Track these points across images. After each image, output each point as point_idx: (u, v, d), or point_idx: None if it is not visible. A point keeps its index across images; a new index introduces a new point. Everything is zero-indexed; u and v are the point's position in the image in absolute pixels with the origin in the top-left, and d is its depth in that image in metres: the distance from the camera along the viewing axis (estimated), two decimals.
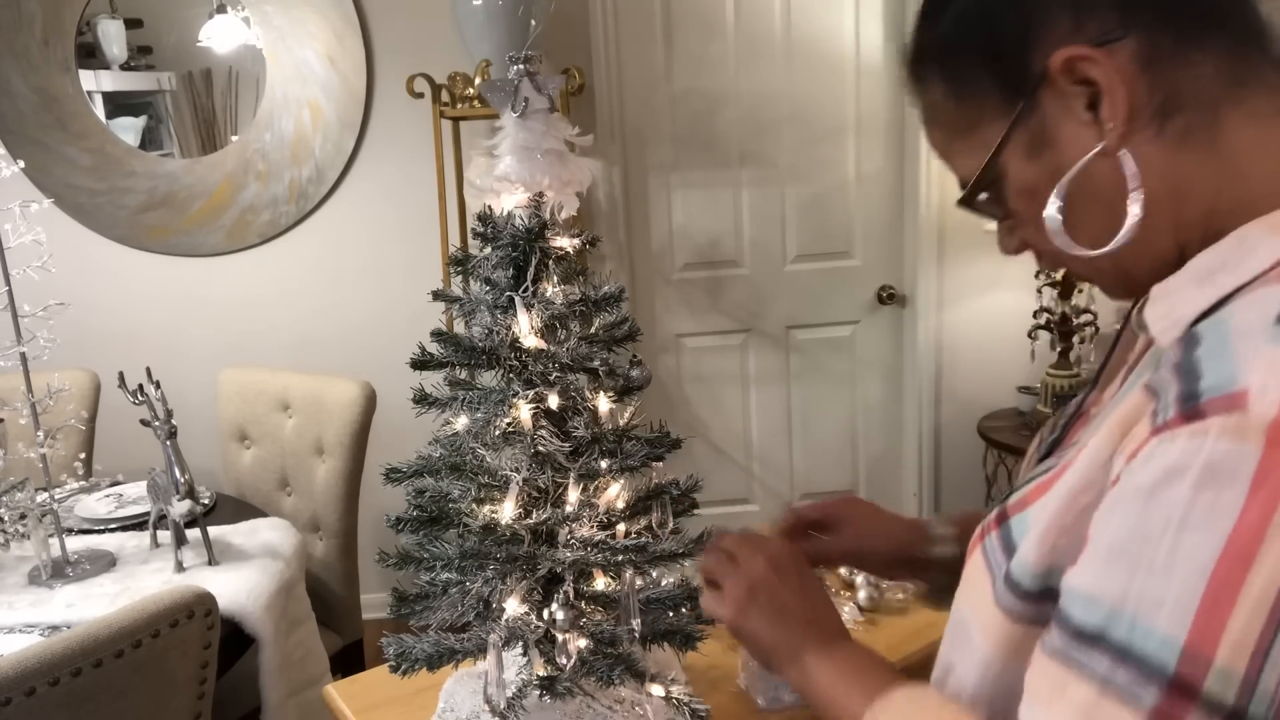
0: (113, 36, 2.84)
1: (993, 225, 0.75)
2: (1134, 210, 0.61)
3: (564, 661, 1.05)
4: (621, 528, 1.07)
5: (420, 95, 2.63)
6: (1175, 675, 0.50)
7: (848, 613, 1.50)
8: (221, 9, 2.83)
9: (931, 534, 1.00)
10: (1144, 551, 0.53)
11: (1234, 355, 0.53)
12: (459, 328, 1.14)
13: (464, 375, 1.09)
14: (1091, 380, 0.77)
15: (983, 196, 0.69)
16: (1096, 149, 0.61)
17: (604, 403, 1.07)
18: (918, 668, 1.40)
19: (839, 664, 0.80)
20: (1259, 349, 0.52)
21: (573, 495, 1.04)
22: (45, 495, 1.82)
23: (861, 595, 1.53)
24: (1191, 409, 0.52)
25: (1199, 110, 0.61)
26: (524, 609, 1.07)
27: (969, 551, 0.74)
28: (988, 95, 0.66)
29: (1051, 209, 0.64)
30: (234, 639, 1.68)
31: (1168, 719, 0.51)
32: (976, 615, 0.69)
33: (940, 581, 0.98)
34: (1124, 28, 0.60)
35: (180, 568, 1.82)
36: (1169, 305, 0.61)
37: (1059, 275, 2.77)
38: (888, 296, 3.22)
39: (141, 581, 1.78)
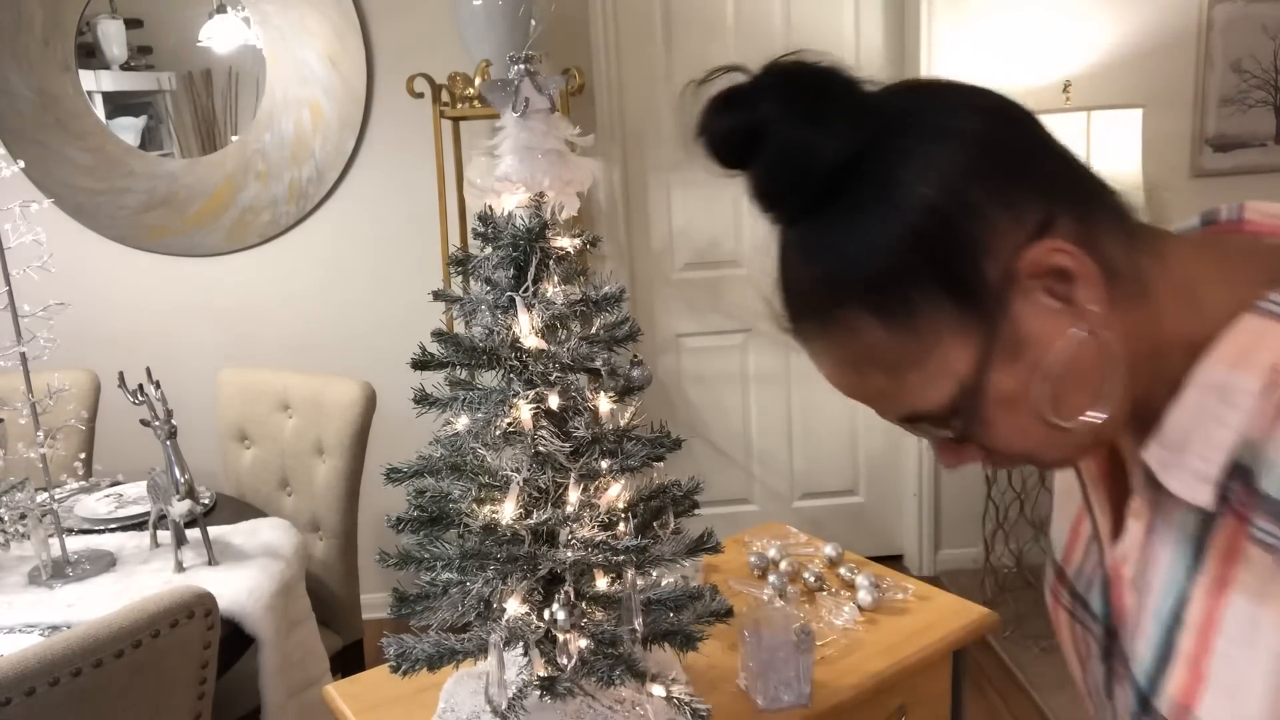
0: (113, 36, 2.84)
1: None
2: (1117, 380, 0.63)
3: (565, 662, 1.05)
4: (622, 528, 1.07)
5: (420, 95, 2.63)
6: None
7: (847, 612, 1.50)
8: (221, 9, 2.83)
9: None
10: None
11: None
12: (459, 328, 1.14)
13: (464, 375, 1.09)
14: (1091, 535, 0.77)
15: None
16: (1083, 334, 0.61)
17: (604, 403, 1.07)
18: (917, 668, 1.40)
19: None
20: None
21: (573, 495, 1.04)
22: (45, 495, 1.82)
23: (861, 595, 1.53)
24: None
25: (1128, 271, 0.63)
26: (525, 609, 1.07)
27: None
28: (942, 317, 0.61)
29: (1042, 398, 0.63)
30: (234, 639, 1.68)
31: None
32: None
33: None
34: (1053, 213, 0.60)
35: (180, 568, 1.82)
36: (1187, 473, 0.63)
37: None
38: None
39: (141, 581, 1.78)
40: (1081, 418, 0.63)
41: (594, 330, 1.08)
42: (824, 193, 0.61)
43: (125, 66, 2.88)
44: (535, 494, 1.06)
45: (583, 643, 1.07)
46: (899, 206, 0.60)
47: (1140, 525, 0.69)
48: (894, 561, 3.34)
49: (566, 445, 1.04)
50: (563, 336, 1.06)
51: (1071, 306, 0.61)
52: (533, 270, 1.04)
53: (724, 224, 3.16)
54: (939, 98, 0.64)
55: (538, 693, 1.12)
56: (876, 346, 0.63)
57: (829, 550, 1.69)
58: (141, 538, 1.98)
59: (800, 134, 0.60)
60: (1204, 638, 0.63)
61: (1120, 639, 0.71)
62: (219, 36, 2.85)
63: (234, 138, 2.92)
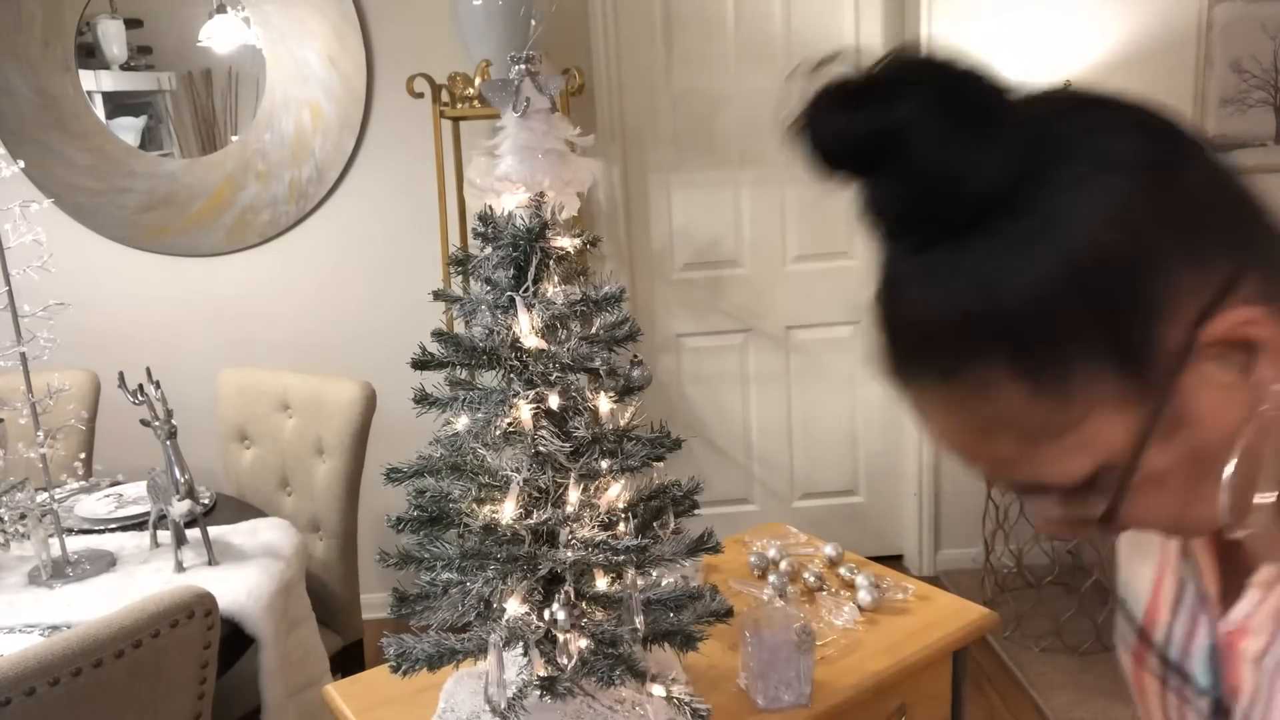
0: (113, 36, 2.84)
1: None
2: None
3: (565, 662, 1.05)
4: (622, 528, 1.07)
5: (420, 95, 2.63)
6: None
7: (847, 612, 1.50)
8: (221, 9, 2.83)
9: None
10: None
11: None
12: (459, 328, 1.14)
13: (464, 375, 1.09)
14: (1197, 596, 0.69)
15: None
16: (1273, 416, 0.52)
17: (604, 403, 1.07)
18: (917, 668, 1.40)
19: None
20: None
21: (573, 495, 1.04)
22: (45, 495, 1.82)
23: (861, 595, 1.53)
24: None
25: None
26: (525, 609, 1.07)
27: None
28: (1101, 385, 0.51)
29: (1225, 492, 0.54)
30: (234, 639, 1.68)
31: None
32: None
33: None
34: (1238, 269, 0.51)
35: (180, 568, 1.82)
36: None
37: None
38: None
39: (141, 581, 1.78)
40: (1255, 502, 0.54)
41: (594, 330, 1.08)
42: (972, 219, 0.51)
43: (125, 66, 2.88)
44: (535, 494, 1.06)
45: (583, 643, 1.07)
46: (1066, 245, 0.49)
47: (1274, 597, 0.61)
48: (894, 561, 3.34)
49: (566, 445, 1.04)
50: (563, 336, 1.06)
51: (1247, 380, 0.52)
52: (533, 270, 1.04)
53: (724, 224, 3.16)
54: (1105, 115, 0.54)
55: (538, 693, 1.12)
56: (1013, 410, 0.53)
57: (829, 550, 1.69)
58: (141, 538, 1.98)
59: (956, 148, 0.50)
60: None
61: (1234, 717, 0.65)
62: (219, 36, 2.85)
63: (234, 138, 2.92)
